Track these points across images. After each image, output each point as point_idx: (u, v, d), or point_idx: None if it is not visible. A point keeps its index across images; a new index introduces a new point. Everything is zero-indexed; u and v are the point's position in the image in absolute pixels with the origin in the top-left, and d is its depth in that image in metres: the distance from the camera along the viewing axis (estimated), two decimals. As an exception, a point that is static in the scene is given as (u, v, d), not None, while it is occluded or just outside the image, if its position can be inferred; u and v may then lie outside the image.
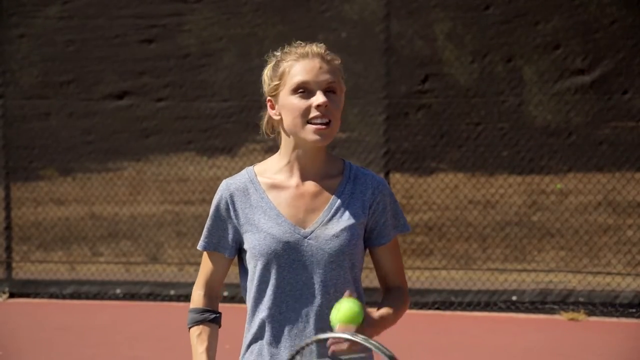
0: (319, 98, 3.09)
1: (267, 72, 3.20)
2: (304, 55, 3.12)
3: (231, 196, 3.17)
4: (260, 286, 3.13)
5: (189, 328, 3.22)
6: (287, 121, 3.13)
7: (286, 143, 3.17)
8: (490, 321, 9.58)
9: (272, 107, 3.18)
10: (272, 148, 10.31)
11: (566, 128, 9.69)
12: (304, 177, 3.16)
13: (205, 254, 3.23)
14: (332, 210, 3.14)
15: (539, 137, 9.77)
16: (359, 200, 3.16)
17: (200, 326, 3.19)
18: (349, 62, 9.56)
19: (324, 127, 3.09)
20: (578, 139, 9.66)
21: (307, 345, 2.84)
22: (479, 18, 9.85)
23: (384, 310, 3.10)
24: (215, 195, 3.21)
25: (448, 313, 9.89)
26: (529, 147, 9.77)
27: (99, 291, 10.91)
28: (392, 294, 3.18)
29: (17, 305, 10.81)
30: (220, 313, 3.23)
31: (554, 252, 10.08)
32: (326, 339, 2.87)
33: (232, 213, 3.16)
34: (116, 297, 10.84)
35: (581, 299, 9.58)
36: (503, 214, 10.11)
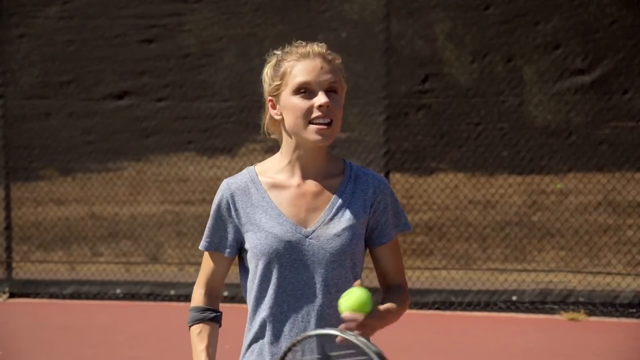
0: (320, 98, 3.09)
1: (267, 70, 3.19)
2: (305, 55, 3.12)
3: (232, 195, 3.17)
4: (261, 285, 3.13)
5: (190, 327, 3.22)
6: (289, 121, 3.13)
7: (287, 143, 3.17)
8: (490, 321, 9.58)
9: (274, 107, 3.18)
10: (272, 148, 10.30)
11: (566, 128, 9.69)
12: (305, 177, 3.17)
13: (206, 253, 3.23)
14: (334, 210, 3.14)
15: (539, 137, 9.77)
16: (360, 200, 3.16)
17: (201, 325, 3.20)
18: (349, 62, 9.56)
19: (325, 127, 3.09)
20: (578, 139, 9.66)
21: (296, 343, 2.85)
22: (479, 18, 9.85)
23: (388, 305, 3.10)
24: (216, 194, 3.21)
25: (448, 313, 9.89)
26: (529, 147, 9.77)
27: (99, 291, 10.91)
28: (393, 293, 3.18)
29: (17, 305, 10.81)
30: (220, 312, 3.23)
31: (554, 252, 10.08)
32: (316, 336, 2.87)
33: (233, 212, 3.16)
34: (116, 297, 10.84)
35: (581, 299, 9.58)
36: (503, 214, 10.11)
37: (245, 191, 3.17)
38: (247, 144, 10.87)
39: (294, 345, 2.86)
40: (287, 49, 3.17)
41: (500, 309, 9.78)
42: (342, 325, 2.92)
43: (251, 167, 3.22)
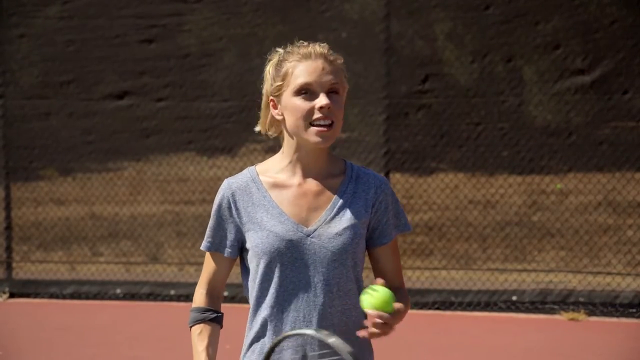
0: (322, 100, 3.09)
1: (269, 68, 3.19)
2: (307, 56, 3.12)
3: (233, 195, 3.17)
4: (262, 285, 3.13)
5: (190, 327, 3.22)
6: (290, 122, 3.13)
7: (289, 143, 3.17)
8: (490, 321, 9.58)
9: (275, 107, 3.18)
10: (272, 148, 10.31)
11: (566, 128, 9.69)
12: (306, 177, 3.17)
13: (208, 254, 3.23)
14: (335, 209, 3.14)
15: (539, 137, 9.77)
16: (361, 199, 3.17)
17: (201, 325, 3.19)
18: (349, 62, 9.53)
19: (326, 129, 3.09)
20: (578, 139, 9.66)
21: (278, 343, 2.85)
22: (479, 18, 9.85)
23: (399, 305, 3.10)
24: (217, 194, 3.21)
25: (448, 313, 9.89)
26: (529, 147, 9.77)
27: (99, 291, 10.91)
28: (397, 294, 3.18)
29: (17, 305, 10.81)
30: (221, 313, 3.23)
31: (554, 252, 10.08)
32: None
33: (234, 212, 3.16)
34: (116, 297, 10.84)
35: (581, 299, 9.58)
36: (503, 214, 10.11)
37: (246, 190, 3.17)
38: (247, 144, 10.87)
39: (275, 345, 2.87)
40: (289, 49, 3.17)
41: (500, 309, 9.78)
42: (367, 322, 2.93)
43: (252, 167, 3.23)
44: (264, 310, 3.13)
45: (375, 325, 2.93)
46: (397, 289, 3.20)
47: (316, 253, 3.10)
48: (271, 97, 3.18)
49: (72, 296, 10.94)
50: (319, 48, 3.13)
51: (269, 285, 3.12)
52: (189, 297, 10.33)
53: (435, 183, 10.20)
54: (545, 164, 9.79)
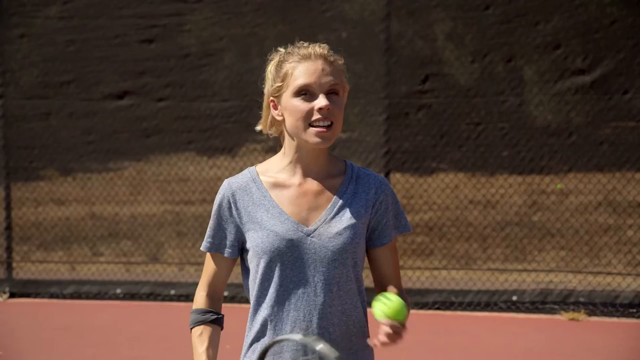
0: (321, 101, 3.09)
1: (270, 68, 3.19)
2: (307, 57, 3.12)
3: (233, 195, 3.17)
4: (262, 284, 3.13)
5: (191, 329, 3.22)
6: (290, 123, 3.13)
7: (289, 143, 3.17)
8: (490, 321, 9.58)
9: (275, 108, 3.18)
10: (272, 148, 10.31)
11: (566, 128, 9.69)
12: (306, 176, 3.17)
13: (208, 255, 3.23)
14: (335, 209, 3.14)
15: (539, 137, 9.77)
16: (361, 199, 3.16)
17: (202, 326, 3.19)
18: (350, 62, 9.53)
19: (325, 130, 3.09)
20: (578, 139, 9.66)
21: (267, 348, 2.85)
22: (479, 18, 9.85)
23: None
24: (217, 194, 3.21)
25: (448, 313, 9.89)
26: (529, 147, 9.77)
27: (99, 291, 10.91)
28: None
29: (17, 305, 10.81)
30: (222, 315, 3.23)
31: (554, 252, 10.08)
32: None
33: (234, 212, 3.16)
34: (116, 297, 10.84)
35: (581, 299, 9.58)
36: (503, 214, 10.10)
37: (246, 190, 3.17)
38: (248, 144, 10.87)
39: (266, 351, 2.86)
40: (289, 50, 3.17)
41: (501, 309, 9.78)
42: (381, 330, 2.93)
43: (252, 168, 3.23)
44: (264, 310, 3.13)
45: (387, 335, 2.93)
46: (398, 292, 3.20)
47: (316, 252, 3.10)
48: (271, 98, 3.18)
49: (73, 296, 10.94)
50: (319, 49, 3.13)
51: (269, 285, 3.12)
52: (189, 297, 10.33)
53: (435, 183, 10.19)
54: (546, 164, 9.79)
